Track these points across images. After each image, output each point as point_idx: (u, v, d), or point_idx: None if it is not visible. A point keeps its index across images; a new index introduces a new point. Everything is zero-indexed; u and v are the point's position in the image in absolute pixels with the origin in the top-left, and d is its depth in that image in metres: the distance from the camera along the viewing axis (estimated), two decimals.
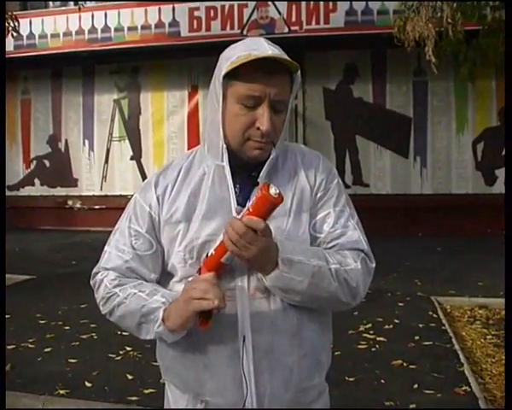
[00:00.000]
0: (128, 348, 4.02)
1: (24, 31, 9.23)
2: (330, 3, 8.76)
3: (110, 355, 3.96)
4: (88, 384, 3.47)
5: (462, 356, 3.83)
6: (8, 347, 4.03)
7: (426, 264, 6.88)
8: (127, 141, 10.66)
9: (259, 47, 1.24)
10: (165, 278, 1.36)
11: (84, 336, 4.37)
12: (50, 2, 11.05)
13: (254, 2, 8.98)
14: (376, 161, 9.68)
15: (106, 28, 9.61)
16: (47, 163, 11.09)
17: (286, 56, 1.25)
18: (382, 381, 3.47)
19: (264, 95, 1.23)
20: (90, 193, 10.76)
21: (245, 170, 1.30)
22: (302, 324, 1.29)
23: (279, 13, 8.91)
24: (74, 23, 9.70)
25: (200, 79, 10.03)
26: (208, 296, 1.16)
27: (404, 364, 3.72)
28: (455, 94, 9.39)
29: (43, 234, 9.83)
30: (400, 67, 9.31)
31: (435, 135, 9.53)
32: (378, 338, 4.23)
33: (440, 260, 7.13)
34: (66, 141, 10.96)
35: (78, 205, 10.66)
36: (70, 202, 10.70)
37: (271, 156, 1.29)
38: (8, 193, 10.43)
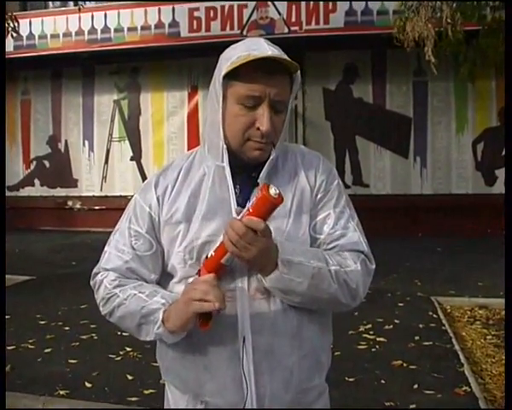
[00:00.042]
0: (128, 349, 4.02)
1: (24, 31, 9.24)
2: (330, 4, 8.76)
3: (110, 356, 3.95)
4: (88, 385, 3.47)
5: (462, 356, 3.83)
6: (8, 347, 4.02)
7: (426, 264, 6.88)
8: (127, 141, 10.66)
9: (259, 47, 1.24)
10: (164, 278, 1.36)
11: (84, 337, 4.37)
12: (50, 3, 11.06)
13: (254, 3, 8.99)
14: (376, 162, 9.68)
15: (106, 29, 9.62)
16: (47, 164, 11.09)
17: (286, 57, 1.25)
18: (382, 381, 3.47)
19: (264, 95, 1.23)
20: (90, 194, 10.76)
21: (245, 171, 1.30)
22: (302, 325, 1.29)
23: (279, 13, 8.92)
24: (74, 24, 9.70)
25: (199, 80, 10.03)
26: (209, 298, 1.15)
27: (404, 364, 3.72)
28: (455, 94, 9.40)
29: (43, 235, 9.84)
30: (400, 67, 9.31)
31: (435, 135, 9.53)
32: (378, 339, 4.23)
33: (440, 260, 7.13)
34: (66, 141, 10.97)
35: (78, 206, 10.66)
36: (70, 203, 10.70)
37: (271, 157, 1.28)
38: (8, 193, 10.44)
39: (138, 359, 3.87)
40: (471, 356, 3.99)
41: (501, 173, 8.92)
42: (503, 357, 3.54)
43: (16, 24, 6.22)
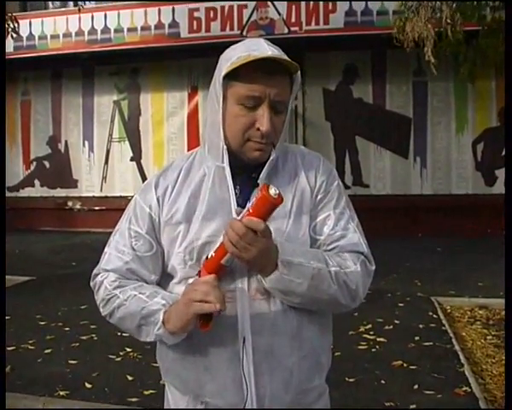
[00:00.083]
0: (128, 350, 4.02)
1: (24, 32, 9.24)
2: (330, 4, 8.77)
3: (110, 356, 3.95)
4: (88, 385, 3.47)
5: (462, 357, 3.83)
6: (8, 348, 4.02)
7: (426, 264, 6.88)
8: (127, 142, 10.66)
9: (259, 48, 1.24)
10: (164, 279, 1.36)
11: (84, 338, 4.37)
12: (50, 3, 11.07)
13: (254, 3, 8.99)
14: (376, 162, 9.68)
15: (105, 29, 9.62)
16: (47, 164, 11.10)
17: (286, 57, 1.25)
18: (382, 382, 3.47)
19: (264, 95, 1.23)
20: (90, 194, 10.77)
21: (245, 171, 1.30)
22: (302, 325, 1.29)
23: (279, 13, 8.92)
24: (74, 24, 9.71)
25: (199, 80, 10.04)
26: (209, 299, 1.15)
27: (405, 364, 3.72)
28: (455, 94, 9.40)
29: (43, 235, 9.83)
30: (400, 67, 9.31)
31: (435, 135, 9.53)
32: (378, 339, 4.23)
33: (440, 260, 7.13)
34: (66, 142, 10.97)
35: (78, 206, 10.66)
36: (70, 203, 10.70)
37: (271, 157, 1.28)
38: (8, 194, 10.44)
39: (138, 359, 3.87)
40: (471, 356, 3.99)
41: (501, 173, 8.92)
42: (504, 357, 3.54)
43: (16, 24, 6.22)
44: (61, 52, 9.86)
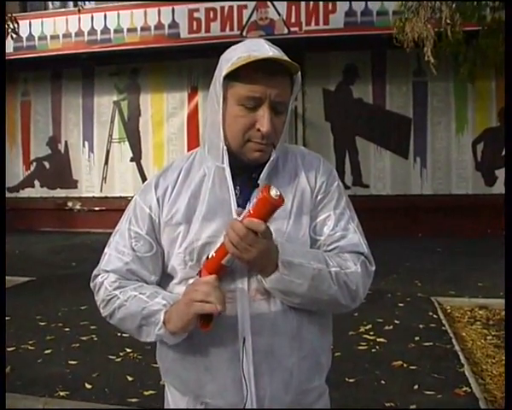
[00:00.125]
0: (128, 350, 4.02)
1: (23, 32, 9.24)
2: (330, 4, 8.77)
3: (110, 357, 3.95)
4: (88, 386, 3.47)
5: (462, 357, 3.83)
6: (8, 349, 4.02)
7: (426, 264, 6.88)
8: (127, 142, 10.66)
9: (260, 48, 1.24)
10: (165, 279, 1.36)
11: (84, 338, 4.36)
12: (50, 4, 11.06)
13: (254, 4, 8.99)
14: (376, 162, 9.69)
15: (105, 30, 9.62)
16: (47, 165, 11.10)
17: (286, 57, 1.25)
18: (382, 382, 3.47)
19: (264, 96, 1.23)
20: (90, 194, 10.77)
21: (245, 172, 1.30)
22: (302, 326, 1.29)
23: (278, 14, 8.92)
24: (74, 25, 9.71)
25: (199, 81, 10.04)
26: (210, 299, 1.15)
27: (405, 365, 3.72)
28: (455, 94, 9.40)
29: (42, 236, 9.83)
30: (400, 67, 9.32)
31: (435, 135, 9.54)
32: (378, 339, 4.23)
33: (440, 260, 7.13)
34: (65, 142, 10.97)
35: (77, 206, 10.66)
36: (70, 204, 10.70)
37: (272, 158, 1.28)
38: (8, 195, 10.44)
39: (138, 360, 3.87)
40: (471, 357, 3.99)
41: (501, 173, 8.92)
42: (504, 357, 3.54)
43: (16, 25, 6.23)
44: (60, 52, 9.86)
